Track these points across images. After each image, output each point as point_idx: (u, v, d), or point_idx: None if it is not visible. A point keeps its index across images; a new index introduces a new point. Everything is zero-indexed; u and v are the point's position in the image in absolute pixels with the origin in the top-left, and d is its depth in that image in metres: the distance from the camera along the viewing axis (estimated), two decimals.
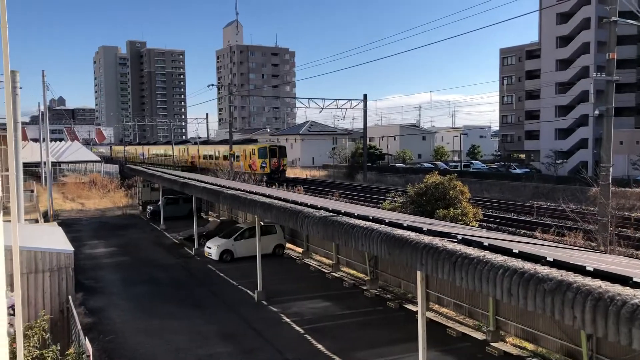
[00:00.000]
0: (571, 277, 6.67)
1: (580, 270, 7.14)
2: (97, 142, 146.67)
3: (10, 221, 6.74)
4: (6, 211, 11.70)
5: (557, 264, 7.49)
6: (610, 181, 22.04)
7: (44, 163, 48.42)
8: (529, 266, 7.28)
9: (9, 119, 6.00)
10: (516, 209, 38.70)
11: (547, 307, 6.57)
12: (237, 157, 61.14)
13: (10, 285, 9.41)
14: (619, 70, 30.29)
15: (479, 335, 15.50)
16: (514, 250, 8.34)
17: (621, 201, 24.55)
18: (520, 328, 14.26)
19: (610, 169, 22.16)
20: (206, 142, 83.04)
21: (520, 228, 29.93)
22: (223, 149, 66.48)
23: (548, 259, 7.70)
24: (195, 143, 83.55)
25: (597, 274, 6.94)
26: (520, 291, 6.96)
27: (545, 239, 22.48)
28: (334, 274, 23.00)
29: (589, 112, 61.34)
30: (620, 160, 52.62)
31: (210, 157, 71.62)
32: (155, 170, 43.06)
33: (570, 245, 19.16)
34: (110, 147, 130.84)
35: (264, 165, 59.48)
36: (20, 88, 26.84)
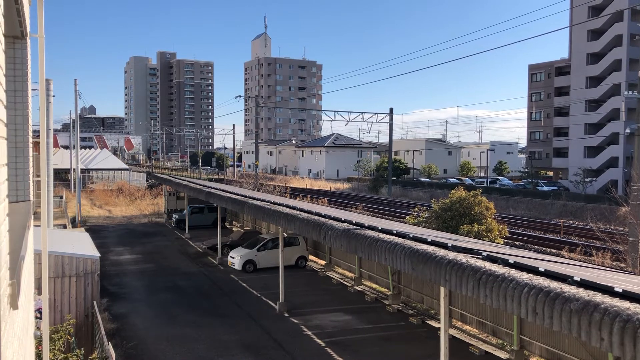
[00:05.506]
0: (599, 297, 6.54)
1: (608, 291, 6.99)
2: (126, 150, 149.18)
3: (39, 226, 6.87)
4: (36, 216, 11.97)
5: (585, 284, 7.35)
6: None
7: (74, 170, 49.38)
8: (555, 285, 7.16)
9: (43, 127, 6.15)
10: (543, 227, 38.10)
11: (574, 327, 6.44)
12: None
13: (38, 288, 9.59)
14: None
15: (502, 354, 15.25)
16: (540, 269, 8.21)
17: None
18: (545, 348, 13.98)
19: None
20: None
21: (546, 246, 29.45)
22: None
23: (575, 278, 7.55)
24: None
25: (626, 295, 6.78)
26: (546, 310, 6.84)
27: (572, 258, 22.08)
28: (356, 287, 22.89)
29: (619, 130, 60.41)
30: None
31: None
32: (182, 179, 43.54)
33: (598, 265, 18.77)
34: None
35: None
36: (53, 96, 27.50)
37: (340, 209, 38.74)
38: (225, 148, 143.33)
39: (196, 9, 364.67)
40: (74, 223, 36.69)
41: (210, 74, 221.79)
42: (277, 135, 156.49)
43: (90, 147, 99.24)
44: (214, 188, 30.72)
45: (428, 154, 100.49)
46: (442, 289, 10.38)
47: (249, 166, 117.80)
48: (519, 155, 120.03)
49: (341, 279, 24.53)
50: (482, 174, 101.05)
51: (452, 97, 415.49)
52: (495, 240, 23.04)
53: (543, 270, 8.16)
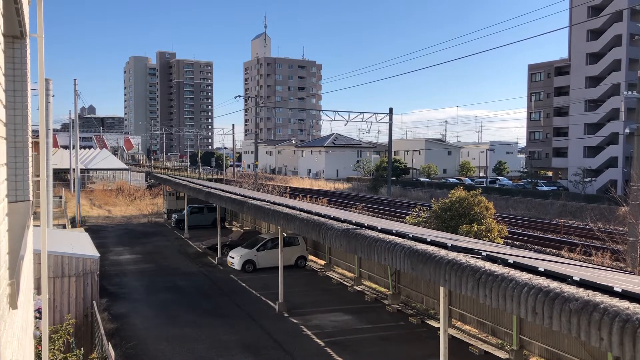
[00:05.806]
0: (598, 297, 6.54)
1: (607, 290, 6.99)
2: (126, 150, 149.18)
3: (39, 226, 6.87)
4: (35, 216, 11.96)
5: (584, 284, 7.35)
6: None
7: (73, 170, 49.36)
8: (554, 285, 7.16)
9: (42, 126, 6.14)
10: (542, 226, 38.11)
11: (573, 327, 6.45)
12: None
13: (37, 288, 9.59)
14: None
15: (502, 354, 15.25)
16: (540, 269, 8.20)
17: None
18: (545, 348, 13.99)
19: None
20: None
21: (546, 246, 29.46)
22: None
23: (575, 278, 7.55)
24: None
25: (626, 295, 6.78)
26: (545, 310, 6.84)
27: (571, 258, 22.10)
28: (355, 287, 22.89)
29: (619, 130, 60.45)
30: None
31: None
32: (181, 179, 43.52)
33: (598, 265, 18.78)
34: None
35: None
36: (53, 96, 27.50)
37: (340, 209, 38.74)
38: (225, 148, 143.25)
39: (196, 9, 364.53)
40: (73, 223, 36.67)
41: (209, 74, 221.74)
42: (277, 135, 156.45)
43: (89, 147, 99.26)
44: (213, 188, 30.70)
45: (428, 154, 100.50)
46: (441, 289, 10.38)
47: (249, 166, 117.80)
48: (519, 155, 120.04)
49: (341, 278, 24.53)
50: (482, 174, 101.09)
51: (451, 97, 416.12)
52: (495, 240, 23.05)
53: (542, 270, 8.16)
